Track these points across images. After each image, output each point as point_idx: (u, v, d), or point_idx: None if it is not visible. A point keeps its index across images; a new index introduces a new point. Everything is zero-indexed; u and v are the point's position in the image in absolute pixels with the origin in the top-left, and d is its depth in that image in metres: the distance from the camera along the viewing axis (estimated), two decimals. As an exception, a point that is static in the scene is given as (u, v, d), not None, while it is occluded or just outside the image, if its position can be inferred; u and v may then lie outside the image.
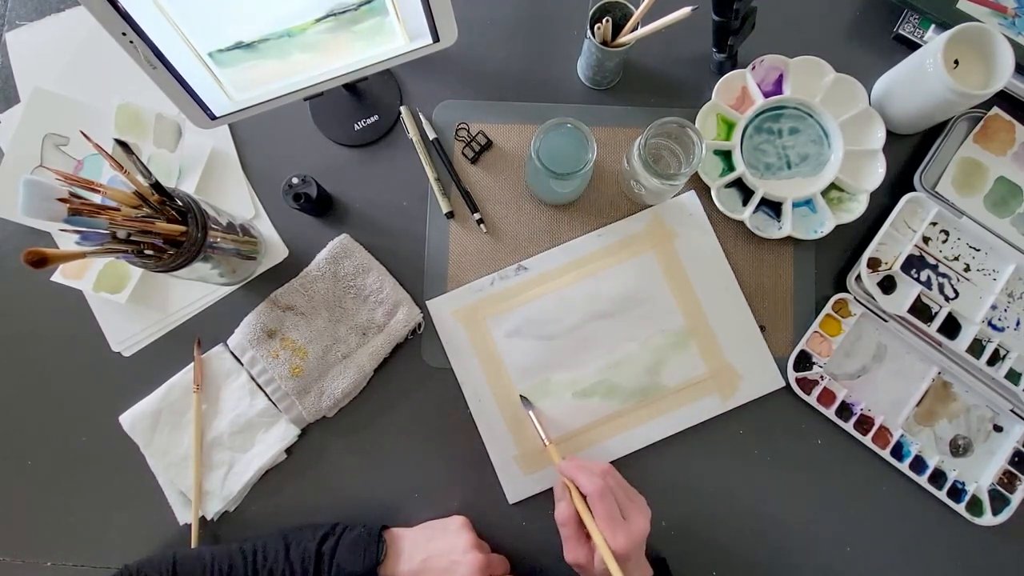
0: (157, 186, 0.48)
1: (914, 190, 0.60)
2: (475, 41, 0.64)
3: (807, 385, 0.59)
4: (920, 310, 0.59)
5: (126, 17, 0.42)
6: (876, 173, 0.59)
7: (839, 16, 0.65)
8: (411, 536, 0.54)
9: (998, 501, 0.58)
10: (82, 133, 0.48)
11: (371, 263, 0.60)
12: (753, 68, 0.61)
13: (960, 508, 0.58)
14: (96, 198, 0.46)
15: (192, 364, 0.59)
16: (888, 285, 0.59)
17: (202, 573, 0.49)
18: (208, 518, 0.58)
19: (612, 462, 0.59)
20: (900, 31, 0.62)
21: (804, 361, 0.60)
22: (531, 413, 0.57)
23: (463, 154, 0.62)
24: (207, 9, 0.44)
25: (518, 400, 0.59)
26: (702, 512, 0.59)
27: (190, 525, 0.57)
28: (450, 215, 0.62)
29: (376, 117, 0.63)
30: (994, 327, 0.59)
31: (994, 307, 0.59)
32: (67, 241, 0.62)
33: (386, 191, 0.63)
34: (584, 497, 0.47)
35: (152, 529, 0.59)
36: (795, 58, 0.60)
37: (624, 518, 0.45)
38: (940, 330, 0.58)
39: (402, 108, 0.63)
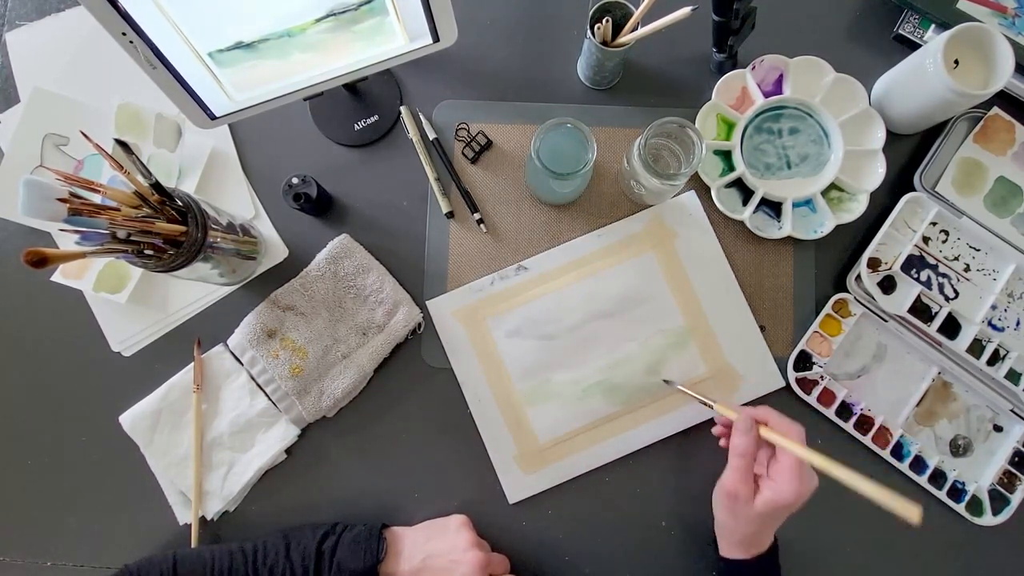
0: (157, 186, 0.48)
1: (914, 190, 0.60)
2: (475, 41, 0.64)
3: (807, 385, 0.59)
4: (920, 310, 0.59)
5: (126, 17, 0.42)
6: (876, 173, 0.59)
7: (839, 16, 0.65)
8: (411, 535, 0.54)
9: (998, 501, 0.58)
10: (82, 133, 0.48)
11: (371, 263, 0.60)
12: (753, 68, 0.61)
13: (960, 508, 0.58)
14: (96, 198, 0.46)
15: (192, 364, 0.60)
16: (888, 285, 0.59)
17: (203, 572, 0.49)
18: (208, 518, 0.58)
19: (613, 463, 0.59)
20: (900, 31, 0.62)
21: (804, 361, 0.60)
22: (681, 387, 0.57)
23: (463, 154, 0.62)
24: (207, 9, 0.44)
25: (519, 400, 0.59)
26: (702, 512, 0.59)
27: (190, 525, 0.58)
28: (450, 215, 0.62)
29: (376, 117, 0.63)
30: (994, 327, 0.59)
31: (994, 307, 0.59)
32: (67, 241, 0.62)
33: (386, 191, 0.63)
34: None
35: (152, 529, 0.59)
36: (795, 58, 0.60)
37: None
38: (940, 330, 0.58)
39: (402, 108, 0.63)
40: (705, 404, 0.54)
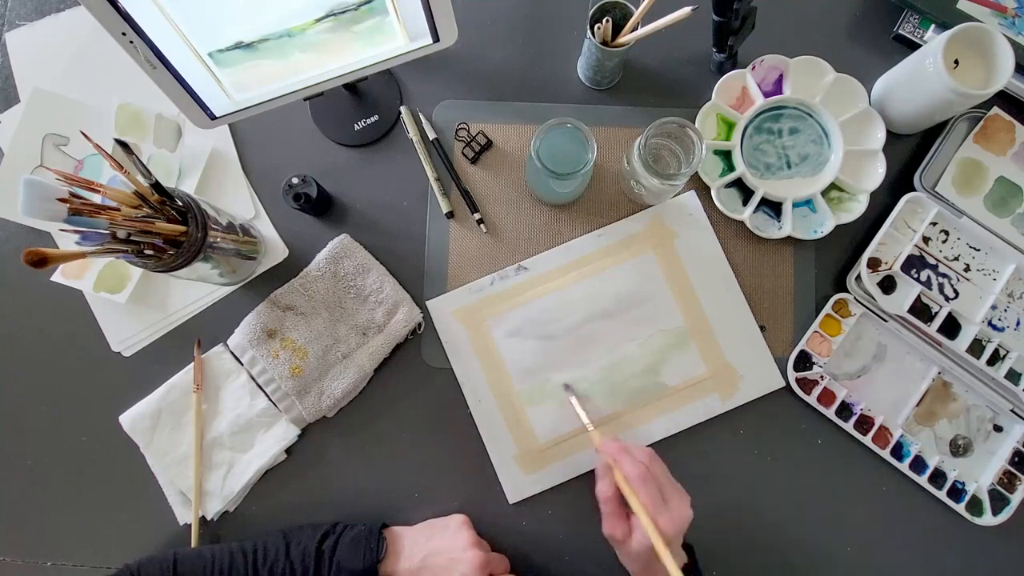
0: (157, 186, 0.48)
1: (914, 190, 0.60)
2: (475, 41, 0.64)
3: (807, 385, 0.59)
4: (920, 310, 0.59)
5: (126, 17, 0.42)
6: (876, 173, 0.59)
7: (839, 16, 0.65)
8: (411, 534, 0.54)
9: (998, 501, 0.58)
10: (82, 133, 0.48)
11: (371, 263, 0.60)
12: (753, 68, 0.61)
13: (960, 508, 0.58)
14: (96, 198, 0.46)
15: (192, 364, 0.60)
16: (888, 285, 0.59)
17: (203, 572, 0.49)
18: (208, 518, 0.58)
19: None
20: (900, 31, 0.62)
21: (804, 361, 0.60)
22: (572, 399, 0.57)
23: (463, 154, 0.62)
24: (207, 9, 0.44)
25: (519, 400, 0.59)
26: (702, 512, 0.59)
27: (190, 525, 0.58)
28: (450, 215, 0.62)
29: (376, 117, 0.63)
30: (994, 327, 0.59)
31: (994, 307, 0.59)
32: (67, 241, 0.62)
33: (386, 191, 0.63)
34: (626, 480, 0.47)
35: (152, 529, 0.59)
36: (795, 58, 0.60)
37: (665, 503, 0.46)
38: (940, 330, 0.58)
39: (402, 108, 0.63)
40: (586, 426, 0.55)
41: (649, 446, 0.59)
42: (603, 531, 0.48)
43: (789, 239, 0.60)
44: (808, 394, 0.59)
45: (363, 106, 0.63)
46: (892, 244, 0.59)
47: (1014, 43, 0.54)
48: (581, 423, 0.56)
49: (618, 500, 0.48)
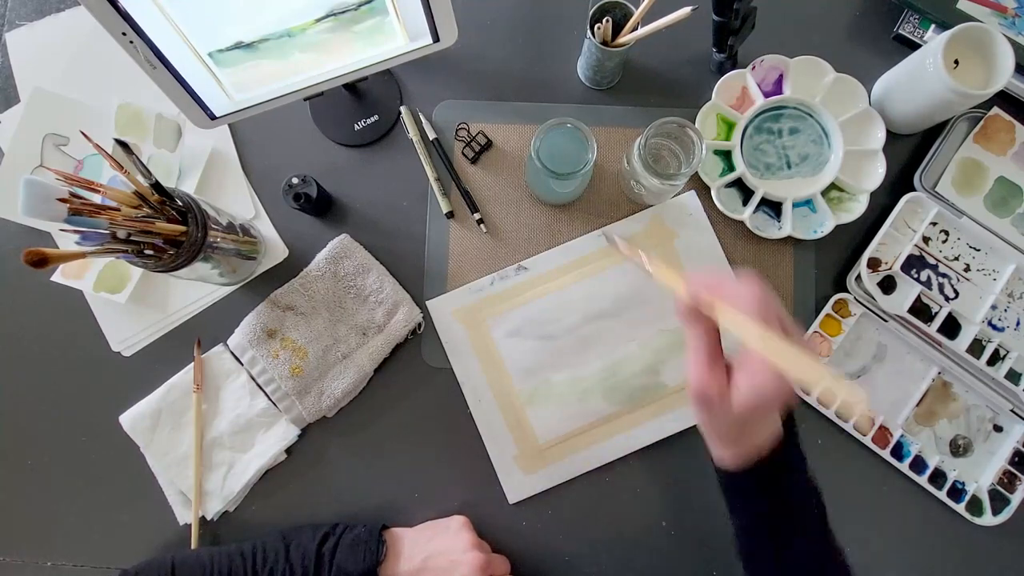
0: (157, 186, 0.48)
1: (914, 190, 0.60)
2: (475, 41, 0.64)
3: (807, 385, 0.59)
4: (920, 310, 0.59)
5: (126, 17, 0.42)
6: (876, 173, 0.59)
7: (839, 16, 0.65)
8: (411, 536, 0.54)
9: (998, 501, 0.58)
10: (82, 133, 0.48)
11: (371, 263, 0.60)
12: (753, 68, 0.61)
13: (960, 508, 0.58)
14: (96, 198, 0.46)
15: (192, 364, 0.60)
16: (888, 285, 0.59)
17: (201, 575, 0.49)
18: (208, 518, 0.58)
19: (612, 463, 0.59)
20: (900, 31, 0.62)
21: (804, 361, 0.59)
22: (616, 238, 0.53)
23: (463, 154, 0.62)
24: (207, 9, 0.44)
25: (519, 401, 0.59)
26: (703, 512, 0.59)
27: (190, 525, 0.57)
28: (450, 215, 0.62)
29: (376, 117, 0.63)
30: (994, 327, 0.59)
31: (994, 307, 0.59)
32: (67, 241, 0.62)
33: (386, 191, 0.63)
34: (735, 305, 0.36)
35: (152, 529, 0.59)
36: (795, 58, 0.60)
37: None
38: (940, 330, 0.58)
39: (402, 108, 0.63)
40: (640, 266, 0.44)
41: (650, 446, 0.59)
42: (692, 387, 0.37)
43: (789, 239, 0.60)
44: (808, 394, 0.59)
45: (363, 106, 0.63)
46: (892, 244, 0.59)
47: (1014, 43, 0.54)
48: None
49: (708, 349, 0.37)
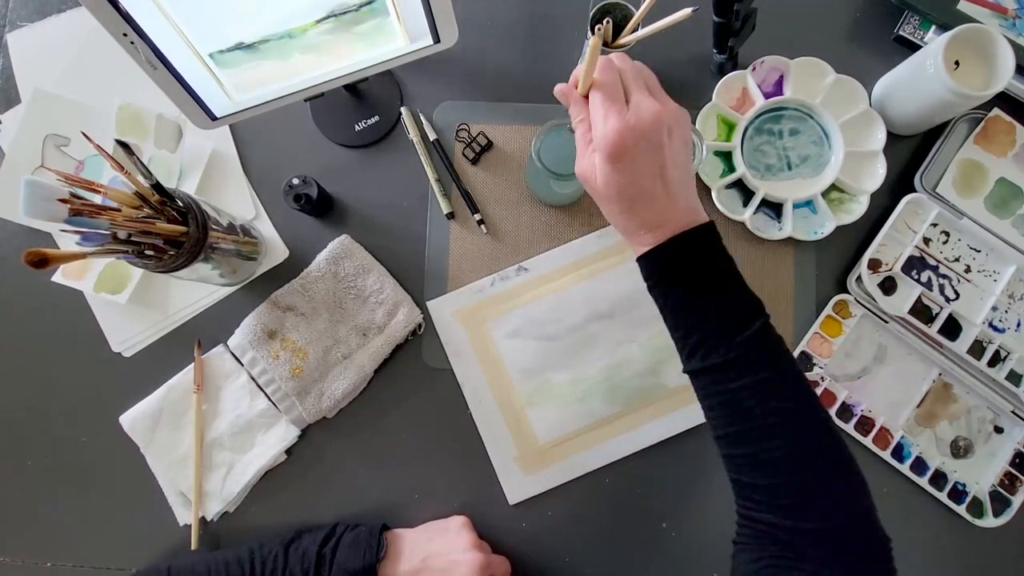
0: (158, 187, 0.48)
1: (915, 191, 0.60)
2: (476, 42, 0.64)
3: (807, 386, 0.59)
4: (921, 311, 0.59)
5: (127, 18, 0.42)
6: (877, 174, 0.59)
7: (840, 17, 0.65)
8: (411, 536, 0.54)
9: (999, 503, 0.58)
10: (83, 134, 0.48)
11: (371, 264, 0.60)
12: (754, 69, 0.61)
13: (961, 510, 0.58)
14: (97, 199, 0.46)
15: (192, 365, 0.59)
16: (889, 286, 0.59)
17: None
18: (208, 519, 0.58)
19: (613, 463, 0.59)
20: (901, 32, 0.62)
21: (805, 362, 0.59)
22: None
23: (463, 155, 0.62)
24: (208, 10, 0.44)
25: (519, 401, 0.59)
26: (702, 512, 0.59)
27: (190, 526, 0.57)
28: (450, 216, 0.62)
29: (376, 118, 0.63)
30: (995, 328, 0.59)
31: (995, 308, 0.59)
32: (68, 242, 0.62)
33: (386, 192, 0.63)
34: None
35: (152, 530, 0.59)
36: (796, 59, 0.60)
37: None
38: (941, 331, 0.58)
39: (402, 109, 0.63)
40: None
41: (651, 446, 0.59)
42: (578, 172, 0.38)
43: (789, 240, 0.60)
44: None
45: (363, 107, 0.63)
46: (893, 245, 0.59)
47: (1014, 44, 0.54)
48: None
49: (585, 123, 0.39)
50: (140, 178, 0.47)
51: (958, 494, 0.58)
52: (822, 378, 0.59)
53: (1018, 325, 0.59)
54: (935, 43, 0.55)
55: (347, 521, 0.55)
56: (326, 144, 0.63)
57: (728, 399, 0.38)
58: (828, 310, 0.60)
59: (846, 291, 0.60)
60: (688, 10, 0.50)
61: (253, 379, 0.59)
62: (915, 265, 0.59)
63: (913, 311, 0.58)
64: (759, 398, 0.37)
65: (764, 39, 0.60)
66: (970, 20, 0.59)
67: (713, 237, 0.39)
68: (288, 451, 0.60)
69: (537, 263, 0.61)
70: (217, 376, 0.60)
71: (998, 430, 0.60)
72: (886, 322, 0.60)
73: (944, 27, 0.60)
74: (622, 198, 0.38)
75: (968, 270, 0.60)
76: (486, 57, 0.64)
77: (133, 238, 0.47)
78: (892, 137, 0.60)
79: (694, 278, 0.38)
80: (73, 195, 0.44)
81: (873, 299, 0.58)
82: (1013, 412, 0.59)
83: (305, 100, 0.54)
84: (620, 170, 0.37)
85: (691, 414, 0.59)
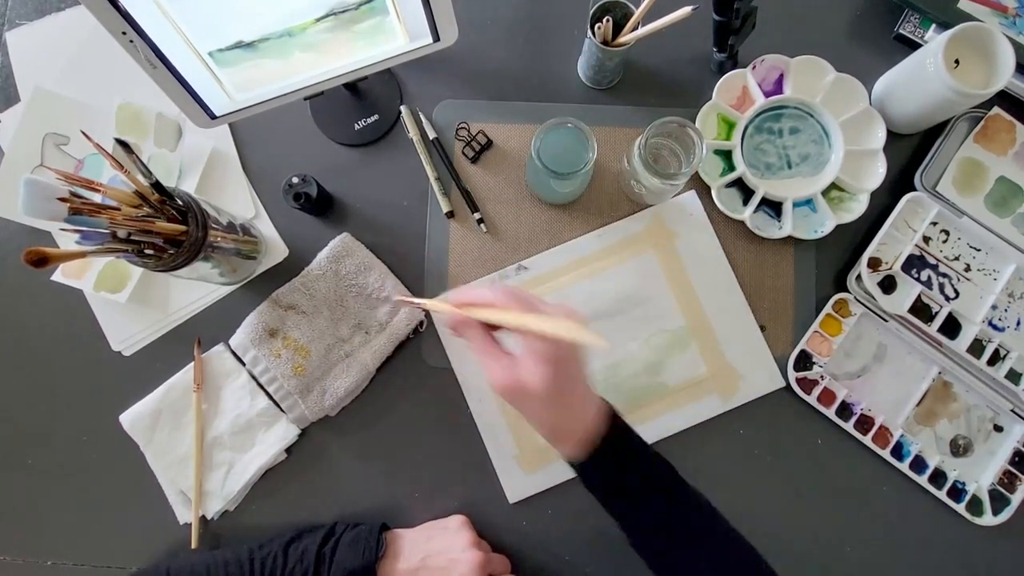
0: (157, 186, 0.48)
1: (915, 190, 0.60)
2: (475, 41, 0.63)
3: (807, 385, 0.59)
4: (920, 310, 0.59)
5: (126, 16, 0.42)
6: (877, 173, 0.59)
7: (840, 16, 0.65)
8: (411, 535, 0.54)
9: (998, 501, 0.58)
10: (83, 133, 0.48)
11: (372, 262, 0.60)
12: (754, 68, 0.61)
13: (960, 508, 0.58)
14: (96, 197, 0.46)
15: (192, 364, 0.59)
16: (888, 285, 0.59)
17: None
18: (208, 518, 0.58)
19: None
20: (901, 31, 0.62)
21: (804, 361, 0.60)
22: (398, 297, 0.53)
23: (463, 154, 0.62)
24: (207, 8, 0.44)
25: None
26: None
27: (190, 525, 0.58)
28: (450, 215, 0.62)
29: (376, 117, 0.63)
30: (994, 327, 0.59)
31: (994, 307, 0.59)
32: (67, 241, 0.62)
33: (386, 191, 0.63)
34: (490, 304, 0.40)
35: (152, 528, 0.59)
36: (796, 58, 0.60)
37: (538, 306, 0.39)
38: (940, 330, 0.58)
39: (402, 108, 0.63)
40: (419, 306, 0.47)
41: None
42: (496, 387, 0.40)
43: (789, 239, 0.60)
44: (808, 394, 0.59)
45: (363, 106, 0.63)
46: (892, 244, 0.59)
47: (1015, 43, 0.54)
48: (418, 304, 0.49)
49: (486, 346, 0.40)
50: (140, 177, 0.47)
51: (957, 492, 0.58)
52: (822, 376, 0.59)
53: (1018, 324, 0.59)
54: (935, 41, 0.55)
55: (347, 520, 0.55)
56: (326, 143, 0.63)
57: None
58: (828, 309, 0.60)
59: (846, 290, 0.60)
60: (688, 8, 0.50)
61: (254, 378, 0.59)
62: (915, 264, 0.59)
63: (913, 310, 0.58)
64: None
65: (764, 38, 0.60)
66: (970, 18, 0.59)
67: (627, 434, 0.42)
68: (288, 450, 0.60)
69: (537, 262, 0.61)
70: (217, 375, 0.60)
71: (997, 428, 0.60)
72: (886, 321, 0.60)
73: (944, 25, 0.60)
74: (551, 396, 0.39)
75: (968, 269, 0.60)
76: (486, 56, 0.64)
77: (133, 237, 0.47)
78: (892, 136, 0.60)
79: (633, 484, 0.42)
80: (73, 194, 0.44)
81: (873, 298, 0.58)
82: (1012, 411, 0.59)
83: (305, 99, 0.54)
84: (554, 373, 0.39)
85: (691, 413, 0.59)
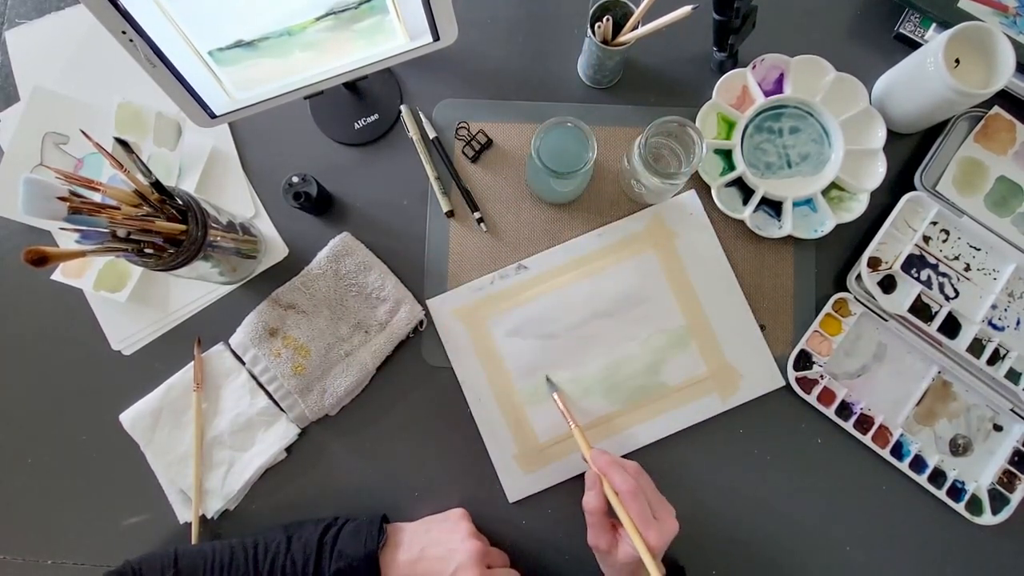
0: (157, 185, 0.48)
1: (915, 189, 0.60)
2: (475, 40, 0.63)
3: (807, 384, 0.59)
4: (920, 309, 0.59)
5: (126, 15, 0.42)
6: (877, 172, 0.59)
7: (840, 15, 0.64)
8: (411, 527, 0.54)
9: (998, 500, 0.58)
10: (82, 132, 0.48)
11: (372, 261, 0.60)
12: (754, 67, 0.61)
13: (960, 507, 0.58)
14: (96, 197, 0.46)
15: (192, 363, 0.60)
16: (888, 284, 0.59)
17: (203, 567, 0.49)
18: (208, 517, 0.58)
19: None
20: (901, 30, 0.62)
21: (804, 360, 0.60)
22: (556, 396, 0.57)
23: (463, 153, 0.62)
24: (207, 7, 0.44)
25: (519, 399, 0.59)
26: (702, 511, 0.59)
27: (190, 524, 0.58)
28: (450, 214, 0.62)
29: (376, 116, 0.63)
30: (994, 326, 0.59)
31: (994, 306, 0.59)
32: (67, 240, 0.62)
33: (386, 190, 0.63)
34: (616, 493, 0.48)
35: (152, 528, 0.59)
36: (796, 57, 0.60)
37: (653, 518, 0.46)
38: (940, 329, 0.58)
39: (402, 107, 0.63)
40: (570, 425, 0.54)
41: (650, 445, 0.59)
42: (588, 541, 0.48)
43: (789, 238, 0.60)
44: (808, 393, 0.59)
45: (363, 105, 0.63)
46: (892, 243, 0.59)
47: (1015, 42, 0.54)
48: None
49: (605, 512, 0.48)
50: (139, 176, 0.47)
51: (957, 492, 0.58)
52: (821, 376, 0.59)
53: (1017, 323, 0.59)
54: (935, 41, 0.55)
55: (348, 514, 0.55)
56: (326, 142, 0.63)
57: None
58: (828, 308, 0.60)
59: (846, 289, 0.60)
60: (688, 8, 0.50)
61: (254, 377, 0.59)
62: (915, 263, 0.59)
63: (912, 309, 0.58)
64: None
65: (764, 37, 0.60)
66: (970, 18, 0.59)
67: None
68: (288, 449, 0.60)
69: (537, 261, 0.61)
70: (217, 374, 0.60)
71: (997, 428, 0.60)
72: (886, 320, 0.60)
73: (944, 25, 0.60)
74: None
75: (968, 268, 0.60)
76: (486, 55, 0.64)
77: (132, 236, 0.47)
78: (892, 135, 0.60)
79: None
80: (72, 193, 0.44)
81: (873, 297, 0.58)
82: (1012, 410, 0.59)
83: (305, 98, 0.54)
84: None
85: (690, 413, 0.59)
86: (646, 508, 0.46)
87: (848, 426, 0.59)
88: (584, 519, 0.48)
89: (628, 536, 0.46)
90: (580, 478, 0.59)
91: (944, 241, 0.60)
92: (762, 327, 0.60)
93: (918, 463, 0.59)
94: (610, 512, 0.48)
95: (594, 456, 0.50)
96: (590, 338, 0.60)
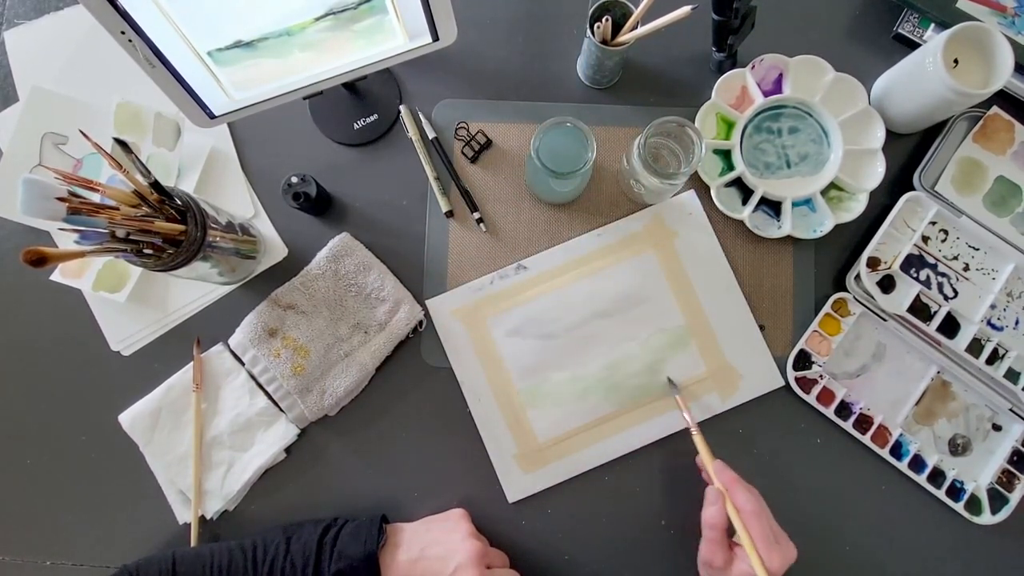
0: (156, 185, 0.48)
1: (914, 189, 0.60)
2: (475, 40, 0.63)
3: (806, 384, 0.59)
4: (919, 309, 0.59)
5: (125, 16, 0.42)
6: (876, 172, 0.59)
7: (839, 15, 0.65)
8: (411, 528, 0.54)
9: (997, 500, 0.58)
10: (81, 132, 0.48)
11: (372, 261, 0.60)
12: (753, 67, 0.61)
13: (959, 507, 0.58)
14: (95, 197, 0.46)
15: (191, 363, 0.59)
16: (887, 284, 0.59)
17: (202, 571, 0.49)
18: (208, 517, 0.58)
19: (612, 461, 0.59)
20: (900, 30, 0.62)
21: (803, 360, 0.60)
22: (678, 398, 0.57)
23: (463, 153, 0.62)
24: (206, 8, 0.44)
25: (518, 400, 0.59)
26: (701, 510, 0.59)
27: (190, 524, 0.58)
28: (449, 214, 0.62)
29: (375, 116, 0.63)
30: (993, 326, 0.59)
31: (993, 306, 0.59)
32: (66, 240, 0.62)
33: (385, 190, 0.62)
34: (738, 510, 0.48)
35: (151, 528, 0.59)
36: (795, 57, 0.60)
37: (776, 541, 0.46)
38: (939, 329, 0.58)
39: (401, 107, 0.63)
40: (692, 428, 0.54)
41: (648, 446, 0.59)
42: (701, 555, 0.48)
43: (789, 238, 0.60)
44: (807, 393, 0.59)
45: (362, 105, 0.63)
46: (891, 243, 0.59)
47: (1014, 42, 0.54)
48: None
49: (726, 528, 0.48)
50: (138, 176, 0.47)
51: (956, 492, 0.58)
52: (821, 376, 0.59)
53: (1016, 323, 0.59)
54: (934, 41, 0.55)
55: (348, 514, 0.55)
56: (325, 142, 0.63)
57: None
58: (827, 308, 0.60)
59: (845, 289, 0.60)
60: (687, 8, 0.50)
61: (253, 377, 0.59)
62: (914, 263, 0.60)
63: (912, 309, 0.58)
64: None
65: (763, 37, 0.60)
66: (969, 18, 0.59)
67: None
68: (288, 450, 0.60)
69: (536, 261, 0.61)
70: (216, 375, 0.60)
71: (996, 428, 0.60)
72: (885, 320, 0.60)
73: (943, 25, 0.60)
74: None
75: (967, 268, 0.60)
76: (485, 55, 0.64)
77: (132, 237, 0.47)
78: (891, 135, 0.60)
79: None
80: (71, 193, 0.44)
81: (872, 297, 0.58)
82: (1011, 410, 0.59)
83: (304, 98, 0.54)
84: None
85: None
86: (769, 531, 0.46)
87: (847, 426, 0.59)
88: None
89: (745, 555, 0.45)
90: (580, 478, 0.59)
91: (943, 241, 0.60)
92: (761, 327, 0.60)
93: (917, 463, 0.59)
94: (728, 530, 0.48)
95: (717, 470, 0.50)
96: (590, 338, 0.60)
